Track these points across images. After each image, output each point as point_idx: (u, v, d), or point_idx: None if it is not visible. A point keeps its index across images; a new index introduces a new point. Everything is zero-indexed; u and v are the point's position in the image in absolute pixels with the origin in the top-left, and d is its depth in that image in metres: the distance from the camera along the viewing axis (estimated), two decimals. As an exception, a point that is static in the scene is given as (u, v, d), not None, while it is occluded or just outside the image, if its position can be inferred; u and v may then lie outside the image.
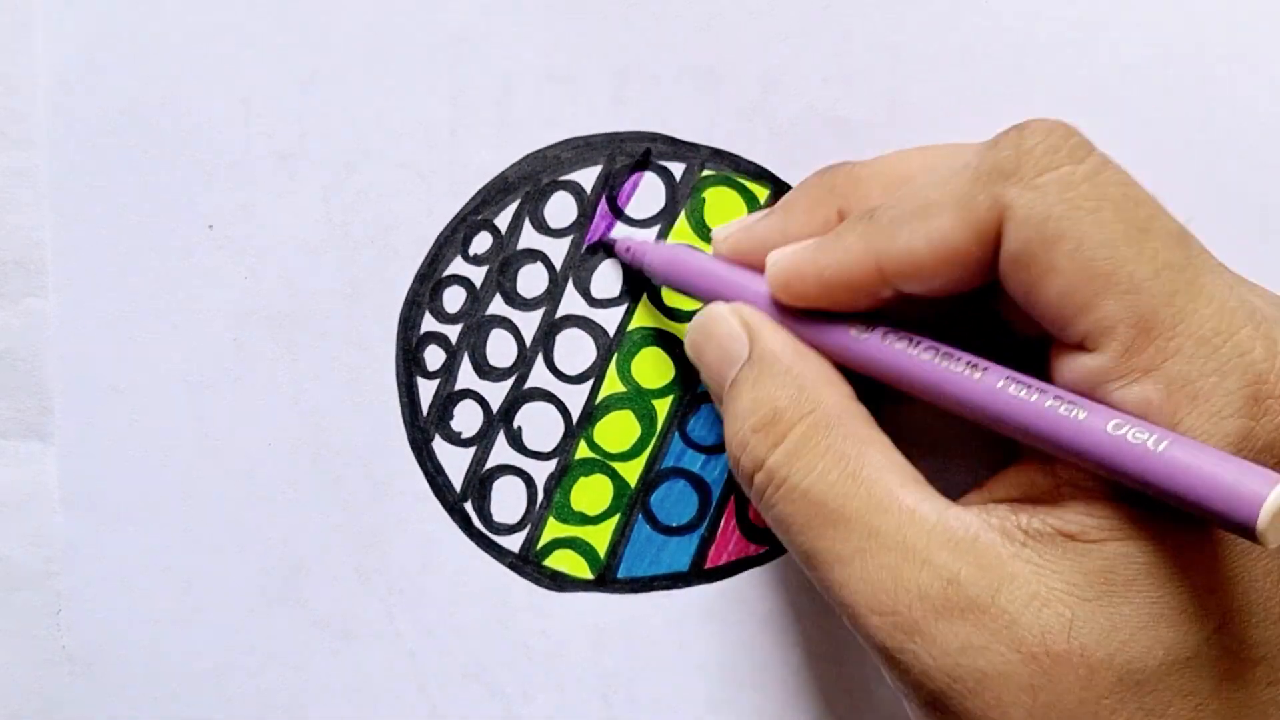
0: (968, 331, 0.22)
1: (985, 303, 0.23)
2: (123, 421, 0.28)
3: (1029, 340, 0.22)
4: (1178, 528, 0.19)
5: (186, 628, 0.29)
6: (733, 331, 0.24)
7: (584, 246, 0.28)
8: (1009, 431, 0.20)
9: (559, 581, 0.28)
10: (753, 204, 0.27)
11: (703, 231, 0.28)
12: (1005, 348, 0.22)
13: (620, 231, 0.28)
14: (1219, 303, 0.19)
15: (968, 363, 0.21)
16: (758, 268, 0.24)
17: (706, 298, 0.25)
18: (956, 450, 0.25)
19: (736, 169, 0.27)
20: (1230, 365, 0.19)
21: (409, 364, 0.28)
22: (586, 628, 0.28)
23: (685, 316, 0.28)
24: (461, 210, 0.28)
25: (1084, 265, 0.19)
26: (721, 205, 0.27)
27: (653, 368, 0.28)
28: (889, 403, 0.23)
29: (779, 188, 0.27)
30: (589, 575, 0.28)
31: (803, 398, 0.22)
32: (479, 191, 0.28)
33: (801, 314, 0.23)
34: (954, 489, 0.22)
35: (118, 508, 0.28)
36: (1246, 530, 0.17)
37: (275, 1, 0.27)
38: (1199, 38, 0.26)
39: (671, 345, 0.28)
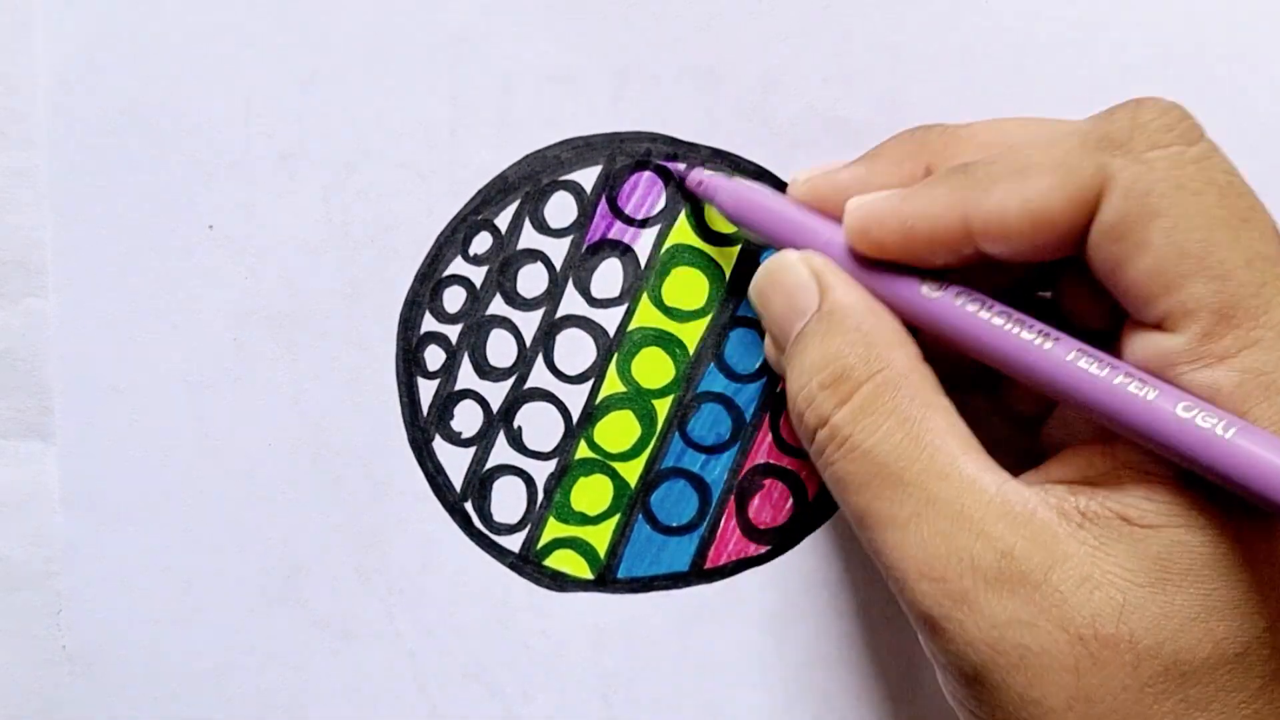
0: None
1: (1044, 290, 0.23)
2: (123, 421, 0.28)
3: (1086, 333, 0.22)
4: (1238, 518, 0.19)
5: (186, 628, 0.29)
6: (802, 281, 0.23)
7: (584, 246, 0.28)
8: (1075, 405, 0.20)
9: (559, 581, 0.28)
10: (753, 204, 0.27)
11: (703, 232, 0.28)
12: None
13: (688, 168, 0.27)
14: None
15: (1040, 331, 0.20)
16: (834, 215, 0.23)
17: (776, 240, 0.24)
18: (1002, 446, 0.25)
19: (736, 169, 0.27)
20: None
21: (409, 364, 0.28)
22: (586, 628, 0.28)
23: (686, 316, 0.28)
24: (461, 210, 0.28)
25: (1178, 245, 0.19)
26: (721, 205, 0.27)
27: (653, 368, 0.28)
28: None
29: (779, 187, 0.27)
30: (589, 575, 0.28)
31: (872, 356, 0.22)
32: (479, 191, 0.28)
33: (872, 266, 0.22)
34: None
35: (118, 508, 0.28)
36: None
37: (275, 1, 0.27)
38: (1199, 38, 0.26)
39: (671, 345, 0.28)
